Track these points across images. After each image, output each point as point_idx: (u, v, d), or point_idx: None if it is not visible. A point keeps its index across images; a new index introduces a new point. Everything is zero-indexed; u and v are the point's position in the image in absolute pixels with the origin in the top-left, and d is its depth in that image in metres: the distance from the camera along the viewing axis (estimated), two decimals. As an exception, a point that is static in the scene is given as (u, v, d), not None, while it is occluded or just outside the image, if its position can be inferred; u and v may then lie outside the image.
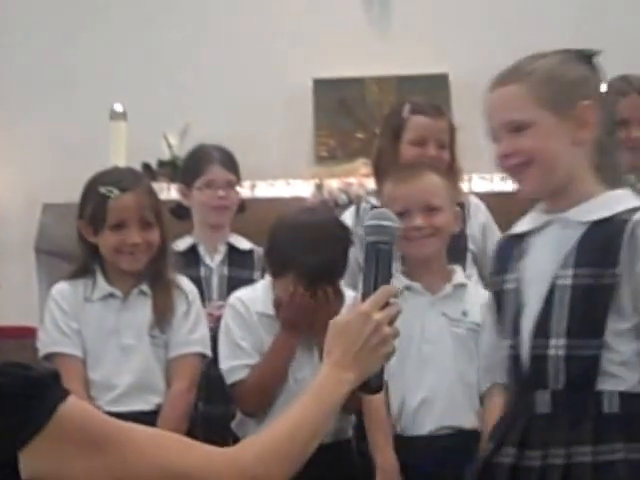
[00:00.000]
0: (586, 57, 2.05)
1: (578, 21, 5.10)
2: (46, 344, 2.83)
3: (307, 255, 2.73)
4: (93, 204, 2.84)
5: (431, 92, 5.04)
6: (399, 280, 2.75)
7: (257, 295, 2.90)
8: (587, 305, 1.94)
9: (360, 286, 1.75)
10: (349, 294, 2.87)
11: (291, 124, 5.12)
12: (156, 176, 4.68)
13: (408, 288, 2.78)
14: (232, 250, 3.44)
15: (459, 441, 2.69)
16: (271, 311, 2.83)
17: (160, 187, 3.59)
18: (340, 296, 2.80)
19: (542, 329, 1.96)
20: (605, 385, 1.94)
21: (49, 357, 2.81)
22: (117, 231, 2.81)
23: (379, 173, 3.26)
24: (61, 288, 2.87)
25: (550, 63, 2.03)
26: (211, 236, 3.45)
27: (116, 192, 2.82)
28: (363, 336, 1.66)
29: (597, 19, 5.10)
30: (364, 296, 1.72)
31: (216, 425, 3.03)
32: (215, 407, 3.09)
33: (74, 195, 2.97)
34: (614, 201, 2.02)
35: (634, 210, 1.98)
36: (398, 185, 2.85)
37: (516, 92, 2.02)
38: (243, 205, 3.60)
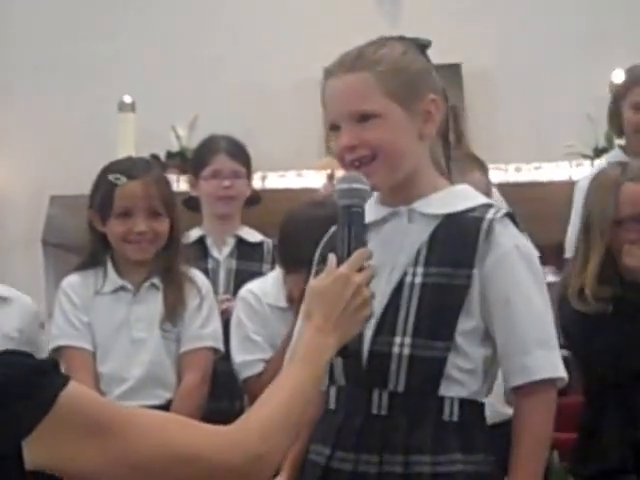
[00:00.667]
0: (422, 47, 1.97)
1: (591, 11, 5.06)
2: (56, 337, 2.81)
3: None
4: (102, 192, 2.82)
5: (444, 82, 4.98)
6: None
7: (268, 287, 2.89)
8: (438, 305, 1.84)
9: (334, 249, 1.73)
10: None
11: (301, 114, 5.08)
12: (165, 168, 4.64)
13: None
14: (241, 243, 3.40)
15: None
16: (283, 303, 2.81)
17: (169, 179, 3.54)
18: None
19: (387, 326, 1.85)
20: (448, 391, 1.84)
21: (59, 350, 2.79)
22: (124, 219, 2.78)
23: None
24: (72, 280, 2.84)
25: (395, 53, 1.91)
26: (219, 228, 3.42)
27: (123, 179, 2.78)
28: (344, 299, 1.66)
29: (611, 9, 5.05)
30: (339, 259, 1.71)
31: (221, 421, 2.98)
32: (220, 403, 3.03)
33: (82, 187, 2.94)
34: (461, 196, 1.94)
35: (485, 207, 1.90)
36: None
37: (364, 81, 1.88)
38: (257, 197, 3.56)
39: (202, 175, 3.42)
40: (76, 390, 1.37)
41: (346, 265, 1.69)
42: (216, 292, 3.21)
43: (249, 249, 3.39)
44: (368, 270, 1.70)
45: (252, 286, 2.91)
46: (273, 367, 2.72)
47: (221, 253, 3.38)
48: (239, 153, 3.47)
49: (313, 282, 1.72)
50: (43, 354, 2.80)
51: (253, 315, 2.82)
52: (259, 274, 3.19)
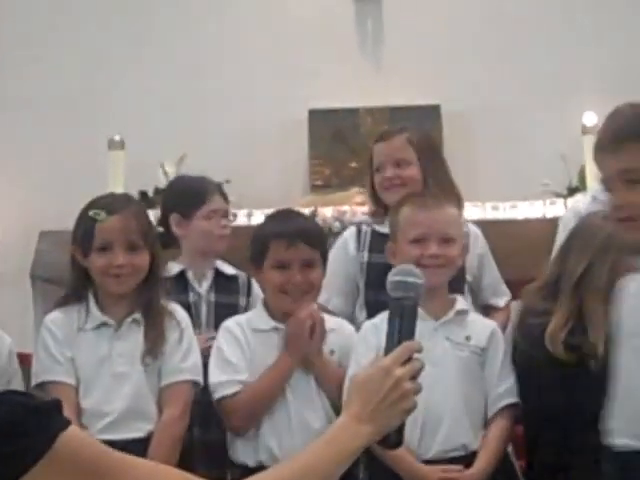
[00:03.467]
0: None
1: (563, 53, 5.19)
2: (39, 372, 2.85)
3: (283, 223, 2.92)
4: (83, 227, 2.89)
5: (423, 123, 5.10)
6: None
7: (251, 314, 3.00)
8: None
9: (383, 342, 1.75)
10: (341, 322, 2.98)
11: (287, 153, 5.18)
12: (153, 204, 4.71)
13: None
14: (218, 275, 3.46)
15: (465, 463, 2.75)
16: (265, 326, 2.89)
17: (157, 214, 3.61)
18: (318, 282, 2.91)
19: None
20: None
21: (42, 385, 2.83)
22: (104, 253, 2.84)
23: (377, 201, 3.34)
24: (54, 317, 2.89)
25: None
26: (201, 263, 3.47)
27: (103, 215, 2.85)
28: (383, 390, 1.65)
29: (581, 54, 5.18)
30: (387, 351, 1.72)
31: (213, 452, 3.05)
32: (211, 433, 3.09)
33: (71, 223, 2.99)
34: None
35: None
36: (418, 211, 2.92)
37: None
38: None
39: (197, 214, 3.46)
40: (76, 434, 1.38)
41: (390, 357, 1.69)
42: (199, 325, 3.30)
43: (226, 282, 3.45)
44: (414, 363, 1.70)
45: (236, 317, 3.01)
46: (249, 393, 2.82)
47: (202, 286, 3.43)
48: (225, 194, 3.57)
49: (356, 373, 1.74)
50: (16, 387, 2.81)
51: (232, 340, 2.88)
52: (236, 306, 3.29)
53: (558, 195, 4.73)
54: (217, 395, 2.85)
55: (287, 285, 2.85)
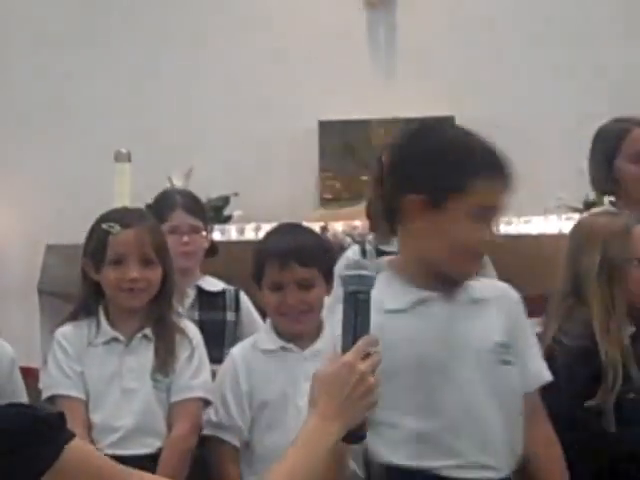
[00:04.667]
0: None
1: (579, 64, 5.15)
2: (49, 386, 2.83)
3: (277, 242, 2.83)
4: (96, 240, 2.86)
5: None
6: None
7: (257, 337, 2.93)
8: None
9: (340, 336, 1.75)
10: None
11: (296, 166, 5.15)
12: (160, 218, 4.68)
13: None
14: (201, 293, 3.43)
15: None
16: (273, 345, 2.83)
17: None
18: (315, 302, 2.82)
19: None
20: None
21: (52, 399, 2.81)
22: (117, 267, 2.81)
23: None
24: (65, 331, 2.87)
25: None
26: (179, 281, 3.30)
27: (117, 228, 2.83)
28: (348, 386, 1.67)
29: (598, 64, 5.14)
30: (344, 346, 1.72)
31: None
32: None
33: (78, 236, 2.98)
34: None
35: None
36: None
37: None
38: (215, 248, 3.58)
39: None
40: (81, 447, 1.40)
41: (352, 352, 1.70)
42: None
43: (211, 298, 3.41)
44: (374, 357, 1.71)
45: (245, 341, 2.96)
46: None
47: (183, 306, 3.36)
48: (195, 208, 3.51)
49: (318, 370, 1.74)
50: (22, 399, 2.80)
51: (230, 377, 2.84)
52: (223, 322, 3.26)
53: (575, 209, 4.67)
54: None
55: (283, 307, 2.79)
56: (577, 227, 2.99)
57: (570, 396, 2.61)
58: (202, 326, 3.24)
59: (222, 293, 3.42)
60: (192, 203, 3.51)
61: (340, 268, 3.20)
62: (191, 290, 3.42)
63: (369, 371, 1.70)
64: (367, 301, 1.75)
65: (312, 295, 2.79)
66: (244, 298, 3.34)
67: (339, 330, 1.77)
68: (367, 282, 1.76)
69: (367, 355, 1.71)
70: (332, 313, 2.80)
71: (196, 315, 3.36)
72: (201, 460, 2.96)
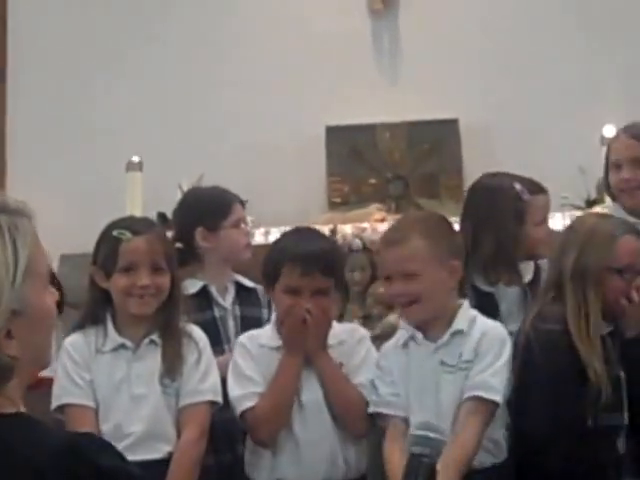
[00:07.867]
0: None
1: (581, 65, 5.17)
2: (59, 396, 2.86)
3: (299, 245, 2.83)
4: (106, 248, 2.89)
5: (442, 137, 5.10)
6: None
7: (264, 331, 2.97)
8: None
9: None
10: (352, 330, 2.96)
11: (304, 171, 5.17)
12: (171, 225, 4.71)
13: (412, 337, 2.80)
14: (240, 288, 3.42)
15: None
16: (274, 343, 2.88)
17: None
18: (329, 310, 2.84)
19: None
20: None
21: (62, 408, 2.84)
22: (128, 274, 2.85)
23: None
24: (73, 340, 2.91)
25: None
26: (221, 276, 3.41)
27: (128, 235, 2.86)
28: None
29: (603, 66, 5.16)
30: None
31: (224, 474, 3.06)
32: (222, 455, 3.09)
33: (91, 246, 3.00)
34: None
35: None
36: (382, 250, 2.83)
37: None
38: None
39: (224, 225, 3.39)
40: None
41: None
42: (228, 340, 3.26)
43: (247, 294, 3.41)
44: None
45: (249, 332, 2.99)
46: (269, 397, 2.82)
47: (226, 301, 3.38)
48: (243, 202, 3.54)
49: None
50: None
51: (246, 354, 2.88)
52: (259, 319, 3.25)
53: (577, 207, 4.70)
54: (239, 410, 2.85)
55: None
56: (569, 225, 3.05)
57: (548, 377, 2.70)
58: (244, 321, 3.30)
59: (254, 289, 3.40)
60: (239, 197, 3.52)
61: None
62: (231, 285, 3.40)
63: None
64: (430, 465, 1.67)
65: (325, 303, 2.83)
66: None
67: None
68: (434, 445, 1.69)
69: None
70: None
71: (237, 311, 3.36)
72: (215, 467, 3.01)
